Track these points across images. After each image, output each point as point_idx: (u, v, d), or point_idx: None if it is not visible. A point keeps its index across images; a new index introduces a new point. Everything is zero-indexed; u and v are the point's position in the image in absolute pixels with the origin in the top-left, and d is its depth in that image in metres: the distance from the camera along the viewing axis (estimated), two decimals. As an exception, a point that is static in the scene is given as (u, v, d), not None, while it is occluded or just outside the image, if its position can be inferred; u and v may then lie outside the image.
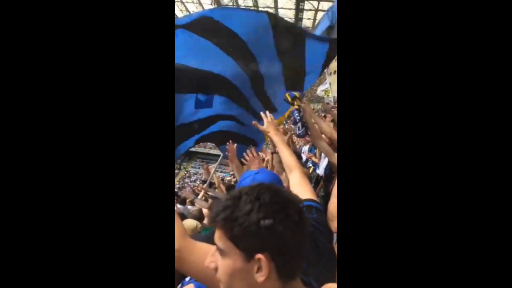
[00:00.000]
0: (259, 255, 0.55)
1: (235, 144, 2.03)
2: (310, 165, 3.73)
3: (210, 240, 1.68)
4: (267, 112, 1.47)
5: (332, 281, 0.68)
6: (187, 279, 1.47)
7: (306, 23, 19.28)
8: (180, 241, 0.78)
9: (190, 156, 22.84)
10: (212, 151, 21.67)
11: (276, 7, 18.13)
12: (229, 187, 3.29)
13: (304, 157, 4.11)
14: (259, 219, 0.54)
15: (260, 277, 0.55)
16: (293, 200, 0.59)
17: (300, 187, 1.09)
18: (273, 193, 0.58)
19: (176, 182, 21.38)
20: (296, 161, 1.26)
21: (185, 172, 22.34)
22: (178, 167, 22.58)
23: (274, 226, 0.54)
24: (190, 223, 2.02)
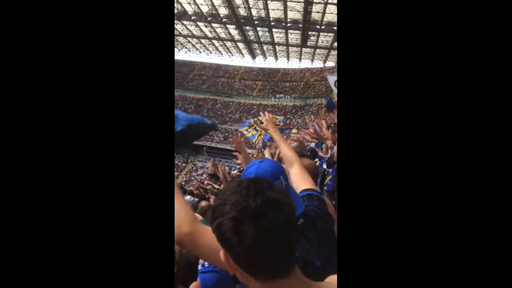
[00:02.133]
0: (221, 252, 0.56)
1: (240, 134, 2.14)
2: (316, 159, 3.78)
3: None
4: (266, 112, 1.68)
5: (333, 260, 0.70)
6: (206, 264, 1.52)
7: (315, 16, 19.03)
8: (191, 225, 0.80)
9: (197, 150, 23.06)
10: (219, 145, 21.82)
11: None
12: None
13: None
14: (224, 217, 0.53)
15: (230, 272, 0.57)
16: (278, 202, 0.54)
17: (300, 178, 1.15)
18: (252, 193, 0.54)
19: (183, 176, 21.65)
20: (295, 155, 1.33)
21: (192, 166, 22.57)
22: (185, 161, 22.83)
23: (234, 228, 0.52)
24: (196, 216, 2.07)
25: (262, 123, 1.58)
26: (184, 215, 0.81)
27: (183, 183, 19.92)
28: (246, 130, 6.13)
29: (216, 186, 4.60)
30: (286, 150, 1.34)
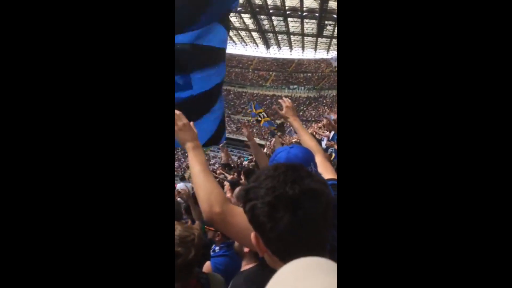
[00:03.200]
0: (252, 234, 0.57)
1: (249, 122, 2.06)
2: (331, 151, 3.81)
3: None
4: (286, 98, 1.53)
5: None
6: (217, 248, 1.60)
7: (332, 5, 18.48)
8: (222, 205, 0.82)
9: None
10: (231, 136, 21.93)
11: (300, -11, 17.47)
12: (247, 172, 3.40)
13: (324, 145, 4.16)
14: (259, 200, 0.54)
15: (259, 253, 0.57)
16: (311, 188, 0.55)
17: (324, 167, 1.15)
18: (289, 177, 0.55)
19: (196, 164, 21.88)
20: (317, 145, 1.32)
21: (205, 156, 22.84)
22: (198, 150, 23.06)
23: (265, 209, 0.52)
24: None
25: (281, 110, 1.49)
26: (216, 195, 0.83)
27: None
28: (256, 119, 6.04)
29: (229, 176, 4.70)
30: (307, 139, 1.32)
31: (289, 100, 1.50)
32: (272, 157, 1.03)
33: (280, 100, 1.54)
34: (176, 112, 1.02)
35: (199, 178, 0.90)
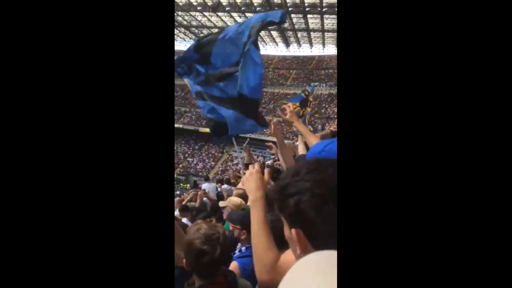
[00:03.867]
0: (293, 230, 0.55)
1: (276, 119, 2.10)
2: None
3: (245, 218, 1.79)
4: (290, 103, 1.64)
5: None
6: (244, 248, 1.62)
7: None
8: (270, 272, 0.82)
9: (232, 140, 23.50)
10: (253, 136, 22.03)
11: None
12: (273, 171, 3.39)
13: None
14: (291, 197, 0.54)
15: (298, 250, 0.56)
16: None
17: None
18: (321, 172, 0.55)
19: (219, 165, 22.33)
20: None
21: (228, 156, 23.16)
22: (221, 151, 23.48)
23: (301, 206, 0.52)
24: (235, 200, 2.19)
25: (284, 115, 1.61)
26: (264, 264, 0.83)
27: (219, 172, 20.58)
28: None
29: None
30: (314, 141, 1.37)
31: (294, 104, 1.64)
32: (315, 150, 1.01)
33: (284, 106, 1.65)
34: (255, 166, 1.03)
35: (254, 240, 0.89)
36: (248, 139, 3.53)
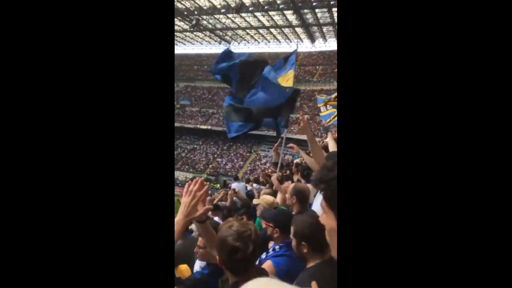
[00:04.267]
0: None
1: (306, 116, 2.25)
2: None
3: (277, 216, 1.80)
4: (304, 116, 1.85)
5: None
6: (277, 247, 1.61)
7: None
8: None
9: (260, 140, 23.62)
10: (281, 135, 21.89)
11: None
12: (302, 169, 3.34)
13: None
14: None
15: None
16: None
17: None
18: None
19: (248, 165, 22.55)
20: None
21: (256, 155, 23.30)
22: (249, 150, 23.69)
23: None
24: (268, 198, 2.18)
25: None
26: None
27: (248, 172, 20.79)
28: (324, 106, 5.17)
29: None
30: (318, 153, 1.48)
31: (308, 116, 1.78)
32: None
33: (300, 116, 1.90)
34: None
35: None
36: (281, 139, 3.58)
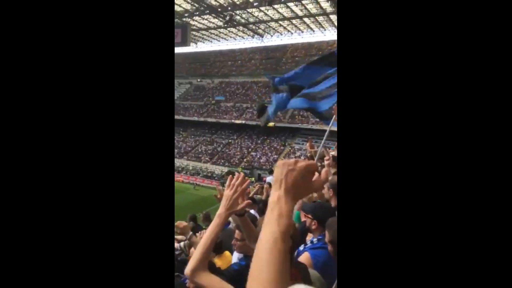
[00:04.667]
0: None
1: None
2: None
3: (316, 209, 1.77)
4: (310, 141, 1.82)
5: None
6: (315, 240, 1.59)
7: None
8: None
9: (294, 133, 23.35)
10: (314, 127, 21.46)
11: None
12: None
13: None
14: None
15: None
16: None
17: None
18: None
19: (282, 158, 22.49)
20: None
21: (290, 149, 23.11)
22: (283, 144, 23.57)
23: None
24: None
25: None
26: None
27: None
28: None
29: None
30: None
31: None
32: None
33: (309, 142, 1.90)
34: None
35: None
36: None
